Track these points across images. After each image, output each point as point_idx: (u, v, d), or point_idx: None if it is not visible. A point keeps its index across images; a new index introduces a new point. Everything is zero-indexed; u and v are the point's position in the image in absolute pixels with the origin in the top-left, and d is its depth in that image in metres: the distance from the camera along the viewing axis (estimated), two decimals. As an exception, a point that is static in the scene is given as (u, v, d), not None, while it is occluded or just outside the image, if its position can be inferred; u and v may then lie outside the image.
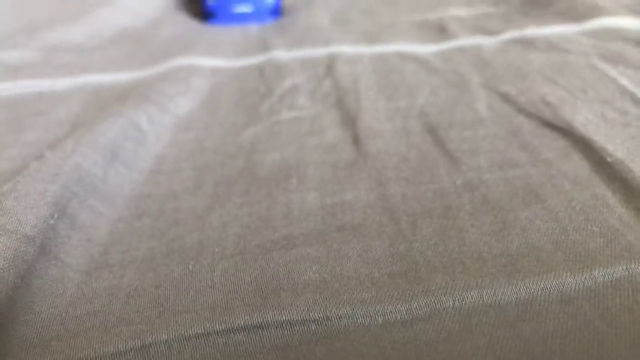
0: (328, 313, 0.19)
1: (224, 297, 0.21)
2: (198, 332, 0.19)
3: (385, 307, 0.20)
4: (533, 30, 0.44)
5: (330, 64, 0.41)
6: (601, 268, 0.20)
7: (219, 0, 0.55)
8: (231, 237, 0.24)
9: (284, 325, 0.19)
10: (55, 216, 0.23)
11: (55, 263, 0.22)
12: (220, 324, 0.19)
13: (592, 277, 0.20)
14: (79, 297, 0.21)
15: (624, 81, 0.34)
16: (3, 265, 0.20)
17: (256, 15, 0.55)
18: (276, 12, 0.56)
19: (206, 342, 0.19)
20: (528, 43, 0.42)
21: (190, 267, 0.22)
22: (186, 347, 0.19)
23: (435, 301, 0.20)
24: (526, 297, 0.20)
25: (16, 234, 0.22)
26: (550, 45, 0.41)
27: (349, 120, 0.33)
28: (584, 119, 0.30)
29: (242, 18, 0.55)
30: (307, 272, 0.22)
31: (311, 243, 0.23)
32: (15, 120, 0.34)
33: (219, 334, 0.19)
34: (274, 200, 0.26)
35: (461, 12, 0.52)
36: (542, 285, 0.20)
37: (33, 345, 0.19)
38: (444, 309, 0.19)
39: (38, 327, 0.20)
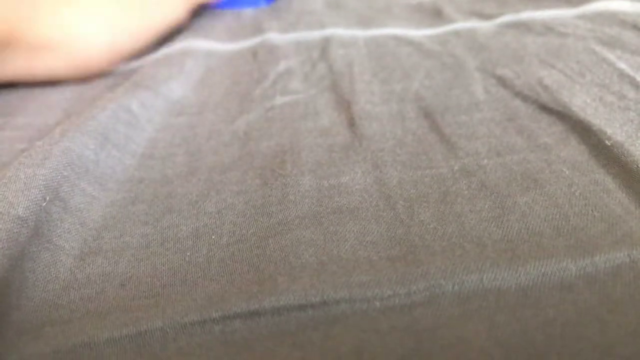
0: (325, 297, 0.19)
1: (221, 286, 0.20)
2: (194, 319, 0.19)
3: (384, 291, 0.19)
4: (529, 14, 0.44)
5: (324, 47, 0.41)
6: (602, 254, 0.20)
7: None
8: (227, 225, 0.24)
9: (280, 311, 0.19)
10: (47, 198, 0.23)
11: (47, 246, 0.22)
12: (217, 311, 0.19)
13: (593, 263, 0.20)
14: (72, 282, 0.21)
15: (622, 65, 0.34)
16: None
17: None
18: None
19: (202, 330, 0.19)
20: (524, 26, 0.42)
21: (187, 257, 0.22)
22: (182, 334, 0.18)
23: (435, 285, 0.19)
24: (526, 282, 0.19)
25: (8, 215, 0.21)
26: (547, 28, 0.41)
27: (344, 104, 0.32)
28: (582, 102, 0.30)
29: (237, 2, 0.55)
30: (303, 255, 0.21)
31: (307, 225, 0.23)
32: (6, 104, 0.34)
33: (215, 321, 0.19)
34: (270, 187, 0.26)
35: (457, -6, 0.51)
36: (542, 271, 0.20)
37: (25, 330, 0.19)
38: (444, 293, 0.19)
39: (31, 312, 0.19)
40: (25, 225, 0.21)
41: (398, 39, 0.41)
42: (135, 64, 0.40)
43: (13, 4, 0.33)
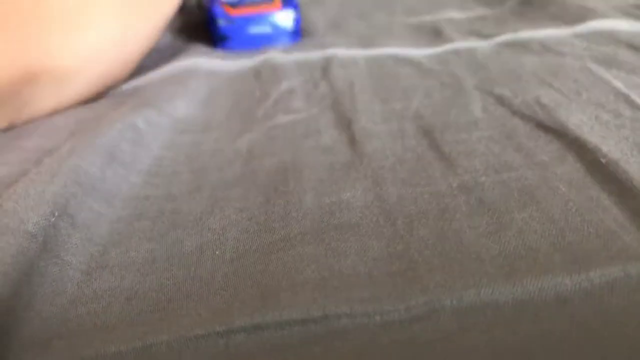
0: (327, 312, 0.20)
1: (224, 301, 0.21)
2: (199, 333, 0.19)
3: (384, 306, 0.20)
4: (527, 33, 0.45)
5: (326, 67, 0.41)
6: (597, 269, 0.20)
7: (233, 21, 0.48)
8: (230, 241, 0.24)
9: (283, 325, 0.19)
10: (56, 214, 0.23)
11: (55, 261, 0.22)
12: (221, 325, 0.19)
13: (588, 278, 0.20)
14: (79, 296, 0.21)
15: (618, 83, 0.34)
16: (7, 262, 0.20)
17: (274, 38, 0.49)
18: (296, 34, 0.50)
19: (207, 343, 0.19)
20: (522, 46, 0.43)
21: (192, 272, 0.22)
22: (187, 347, 0.19)
23: (434, 300, 0.20)
24: (523, 297, 0.20)
25: (19, 231, 0.22)
26: (544, 48, 0.42)
27: (345, 122, 0.33)
28: (578, 120, 0.31)
29: (259, 41, 0.49)
30: (305, 271, 0.22)
31: (309, 242, 0.23)
32: (15, 128, 0.34)
33: (220, 335, 0.19)
34: (272, 204, 0.26)
35: (456, 15, 0.52)
36: (539, 286, 0.20)
37: (34, 344, 0.19)
38: (442, 308, 0.20)
39: (39, 326, 0.20)
40: (35, 240, 0.22)
41: (398, 59, 0.42)
42: (139, 82, 0.40)
43: (20, 42, 0.32)
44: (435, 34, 0.47)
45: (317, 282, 0.21)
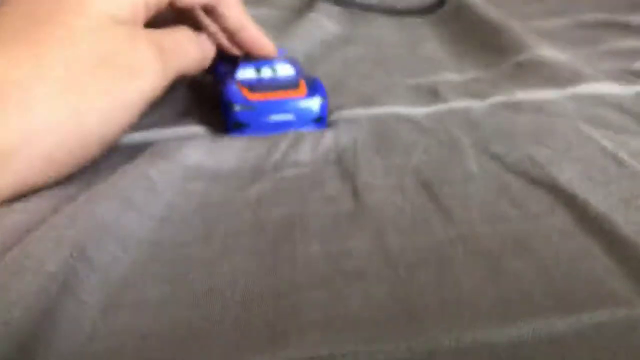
0: (333, 351, 0.21)
1: (235, 340, 0.22)
2: None
3: (386, 346, 0.21)
4: (520, 95, 0.47)
5: (330, 124, 0.43)
6: (587, 312, 0.22)
7: (253, 107, 0.41)
8: (240, 285, 0.25)
9: None
10: (75, 255, 0.25)
11: (73, 300, 0.23)
12: None
13: (578, 319, 0.22)
14: (96, 334, 0.22)
15: (606, 143, 0.36)
16: (29, 299, 0.22)
17: (297, 125, 0.42)
18: (322, 122, 0.43)
19: None
20: (515, 106, 0.45)
21: (203, 313, 0.24)
22: None
23: (434, 341, 0.21)
24: (517, 338, 0.21)
25: (39, 271, 0.23)
26: (537, 108, 0.44)
27: (348, 176, 0.35)
28: (569, 176, 0.32)
29: (280, 128, 0.41)
30: (313, 314, 0.23)
31: (316, 287, 0.25)
32: None
33: None
34: (280, 251, 0.28)
35: (452, 76, 0.54)
36: (532, 327, 0.21)
37: None
38: (441, 348, 0.21)
39: None
40: (54, 280, 0.23)
41: (398, 117, 0.44)
42: (148, 135, 0.41)
43: None
44: (432, 94, 0.49)
45: (324, 324, 0.22)
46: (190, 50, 0.42)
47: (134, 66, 0.35)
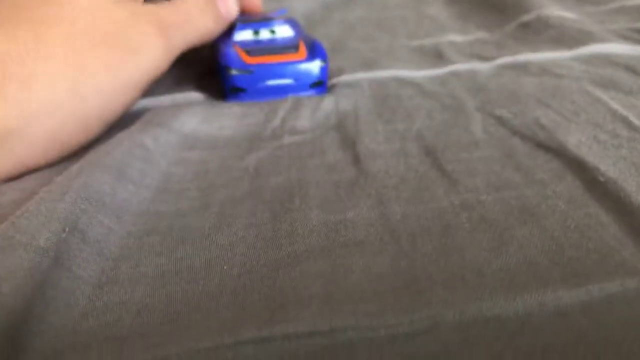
0: (333, 325, 0.20)
1: (232, 314, 0.21)
2: (207, 345, 0.20)
3: (388, 319, 0.20)
4: (526, 56, 0.45)
5: (330, 88, 0.42)
6: (596, 283, 0.21)
7: (250, 70, 0.40)
8: (238, 256, 0.25)
9: (290, 338, 0.20)
10: (67, 230, 0.24)
11: (67, 275, 0.23)
12: (229, 337, 0.20)
13: (587, 292, 0.21)
14: (91, 309, 0.22)
15: (615, 105, 0.35)
16: (20, 275, 0.21)
17: (296, 89, 0.41)
18: (322, 86, 0.42)
19: (215, 355, 0.19)
20: (521, 68, 0.44)
21: (200, 287, 0.23)
22: (196, 359, 0.19)
23: (437, 314, 0.20)
24: (524, 311, 0.20)
25: (31, 246, 0.22)
26: (543, 70, 0.43)
27: (349, 142, 0.34)
28: (577, 141, 0.31)
29: (278, 92, 0.40)
30: (312, 286, 0.22)
31: (315, 258, 0.24)
32: None
33: (228, 347, 0.20)
34: (279, 220, 0.27)
35: (457, 38, 0.53)
36: (539, 300, 0.21)
37: (47, 355, 0.20)
38: (445, 321, 0.20)
39: (52, 338, 0.20)
40: (46, 255, 0.23)
41: (400, 80, 0.43)
42: (146, 102, 0.41)
43: None
44: (437, 56, 0.48)
45: (323, 297, 0.22)
46: (199, 20, 0.41)
47: (134, 44, 0.35)
